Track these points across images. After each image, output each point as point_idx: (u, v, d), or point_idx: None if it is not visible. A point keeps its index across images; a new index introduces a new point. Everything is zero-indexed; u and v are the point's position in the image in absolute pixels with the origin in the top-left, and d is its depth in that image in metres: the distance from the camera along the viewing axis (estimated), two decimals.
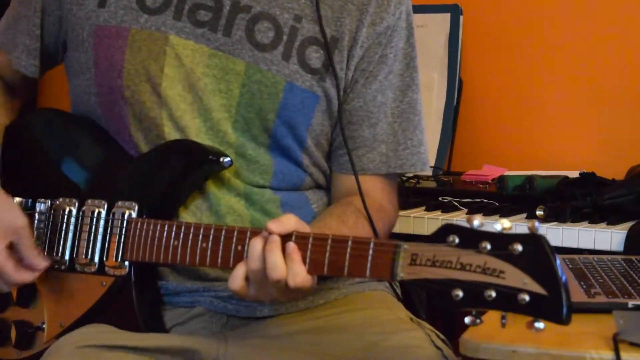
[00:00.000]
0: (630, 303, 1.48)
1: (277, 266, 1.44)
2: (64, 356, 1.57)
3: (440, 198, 2.42)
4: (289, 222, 1.47)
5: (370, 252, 1.38)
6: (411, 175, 2.58)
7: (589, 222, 2.19)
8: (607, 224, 2.17)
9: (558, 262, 1.22)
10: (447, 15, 2.80)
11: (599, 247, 2.12)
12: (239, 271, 1.48)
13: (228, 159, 1.64)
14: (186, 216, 1.67)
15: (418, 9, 2.66)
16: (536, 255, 1.22)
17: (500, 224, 1.25)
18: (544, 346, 1.33)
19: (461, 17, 2.79)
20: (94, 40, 1.72)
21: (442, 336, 1.69)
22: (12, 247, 1.65)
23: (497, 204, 2.38)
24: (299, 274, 1.44)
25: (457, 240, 1.28)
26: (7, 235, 1.65)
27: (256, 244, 1.46)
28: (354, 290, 1.78)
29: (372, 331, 1.67)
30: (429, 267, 1.29)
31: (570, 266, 1.76)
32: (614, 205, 2.22)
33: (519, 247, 1.23)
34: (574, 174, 2.42)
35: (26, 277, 1.66)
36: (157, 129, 1.70)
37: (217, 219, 1.67)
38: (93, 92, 1.75)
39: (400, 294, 1.85)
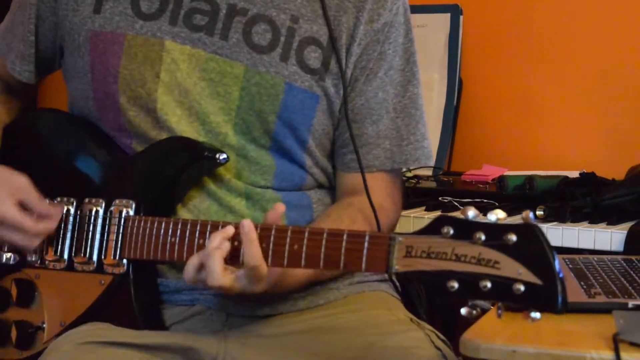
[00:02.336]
0: (630, 303, 1.48)
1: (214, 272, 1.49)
2: (63, 354, 1.57)
3: (440, 198, 2.41)
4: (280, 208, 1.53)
5: (366, 245, 1.38)
6: (411, 175, 2.59)
7: (589, 222, 2.19)
8: (607, 224, 2.16)
9: (554, 253, 1.22)
10: (447, 15, 2.80)
11: (599, 247, 2.11)
12: (194, 260, 1.52)
13: (224, 155, 1.65)
14: (186, 217, 1.66)
15: (418, 9, 2.68)
16: (531, 245, 1.22)
17: (495, 215, 1.25)
18: (544, 346, 1.33)
19: (461, 17, 2.79)
20: (90, 46, 1.72)
21: (442, 336, 1.68)
22: (22, 206, 1.66)
23: (497, 204, 2.37)
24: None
25: (451, 232, 1.28)
26: (14, 193, 1.66)
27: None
28: (354, 291, 1.78)
29: (371, 332, 1.66)
30: (424, 259, 1.29)
31: (570, 266, 1.75)
32: (614, 205, 2.22)
33: (513, 237, 1.23)
34: (574, 174, 2.42)
35: (48, 225, 1.67)
36: (153, 133, 1.70)
37: (218, 219, 1.66)
38: (90, 96, 1.75)
39: (400, 294, 1.85)
